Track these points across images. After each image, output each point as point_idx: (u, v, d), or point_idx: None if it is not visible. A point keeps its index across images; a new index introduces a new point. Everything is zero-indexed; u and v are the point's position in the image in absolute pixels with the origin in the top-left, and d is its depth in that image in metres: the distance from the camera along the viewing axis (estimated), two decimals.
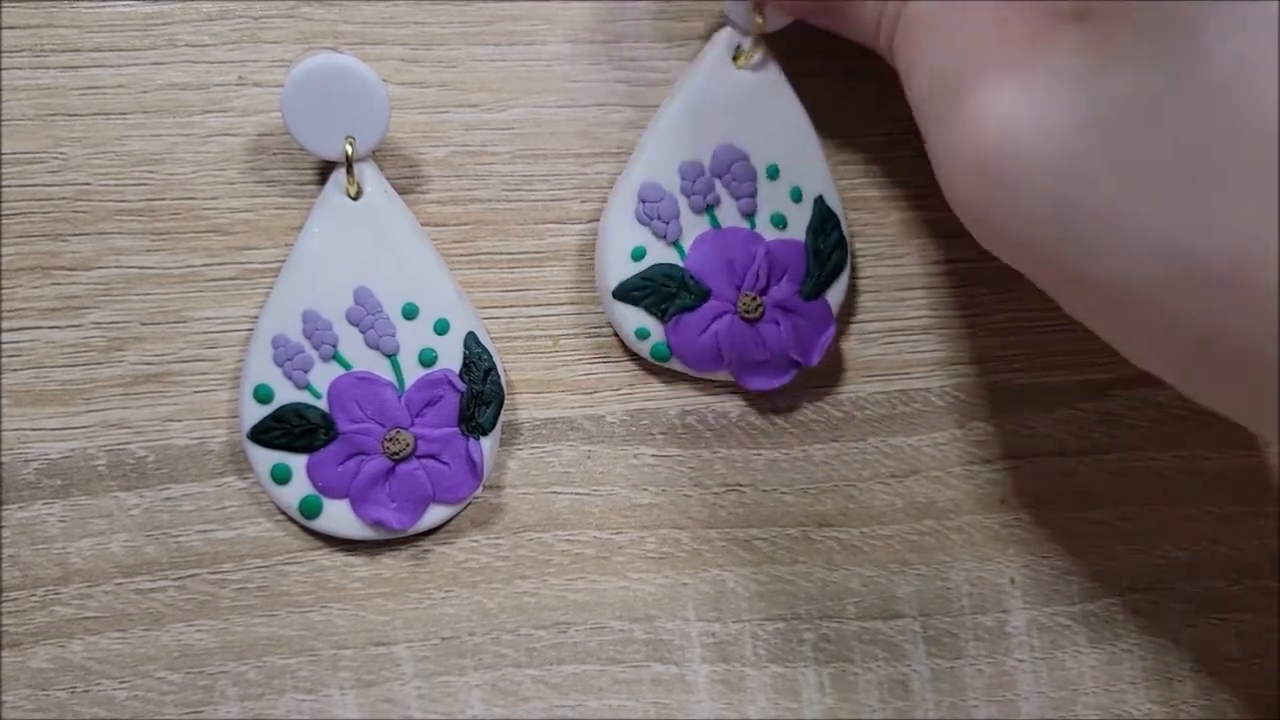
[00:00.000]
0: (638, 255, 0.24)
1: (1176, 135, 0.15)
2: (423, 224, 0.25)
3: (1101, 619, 0.26)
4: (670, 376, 0.26)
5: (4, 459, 0.23)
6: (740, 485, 0.26)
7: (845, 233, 0.25)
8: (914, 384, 0.26)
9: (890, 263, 0.26)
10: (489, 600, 0.25)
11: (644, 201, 0.24)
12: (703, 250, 0.24)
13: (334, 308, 0.23)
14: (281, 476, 0.23)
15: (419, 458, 0.24)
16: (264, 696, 0.24)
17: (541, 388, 0.25)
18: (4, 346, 0.24)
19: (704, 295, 0.24)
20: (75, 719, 0.23)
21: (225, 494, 0.24)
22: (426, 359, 0.24)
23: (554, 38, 0.26)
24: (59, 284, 0.24)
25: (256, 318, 0.24)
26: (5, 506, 0.23)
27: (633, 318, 0.24)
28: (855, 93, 0.26)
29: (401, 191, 0.24)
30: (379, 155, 0.24)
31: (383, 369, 0.24)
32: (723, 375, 0.25)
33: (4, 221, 0.24)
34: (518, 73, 0.25)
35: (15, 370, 0.24)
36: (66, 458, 0.24)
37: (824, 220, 0.25)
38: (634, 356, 0.25)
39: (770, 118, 0.25)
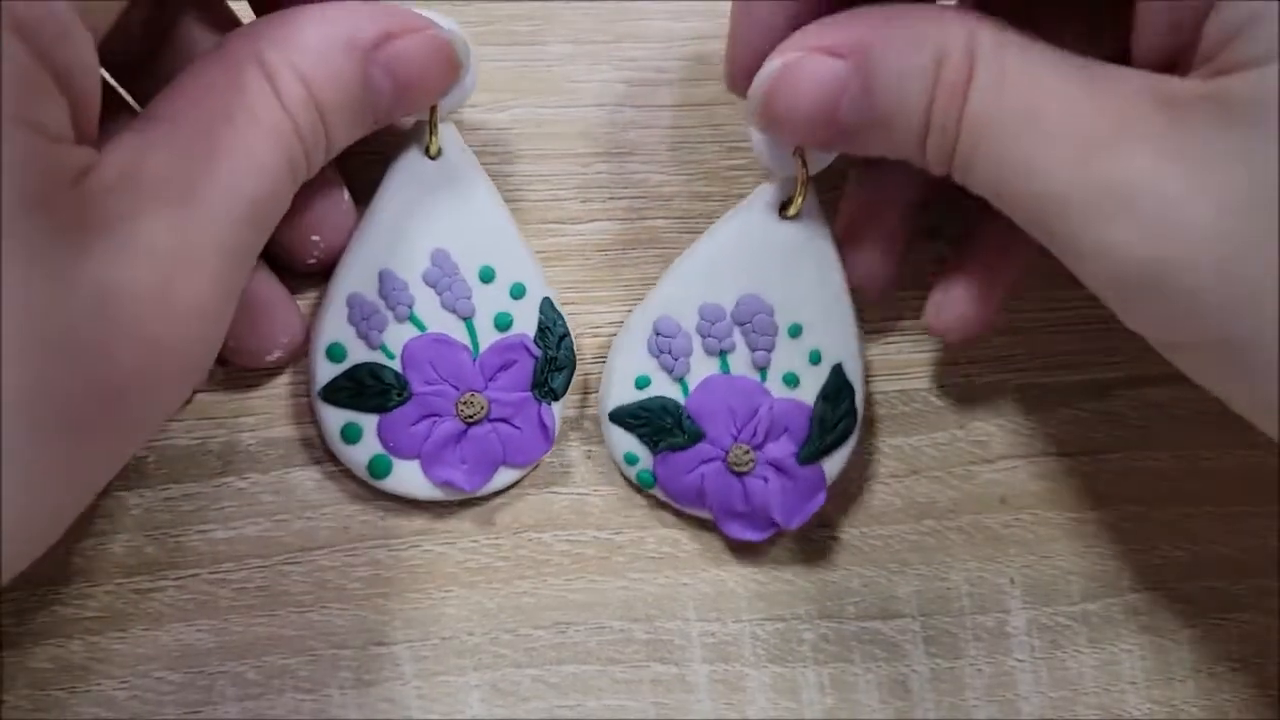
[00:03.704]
0: (641, 384, 0.24)
1: None
2: None
3: (1101, 619, 0.26)
4: None
5: None
6: None
7: (858, 404, 0.24)
8: (914, 384, 0.26)
9: None
10: (489, 600, 0.25)
11: (658, 334, 0.24)
12: (706, 393, 0.24)
13: (411, 269, 0.23)
14: (352, 436, 0.23)
15: (492, 421, 0.24)
16: (264, 696, 0.24)
17: None
18: None
19: (697, 437, 0.24)
20: (75, 719, 0.23)
21: (225, 494, 0.24)
22: (502, 323, 0.24)
23: (554, 38, 0.26)
24: None
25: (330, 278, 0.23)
26: None
27: (624, 442, 0.24)
28: None
29: None
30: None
31: (458, 332, 0.24)
32: (703, 513, 0.25)
33: None
34: (518, 73, 0.26)
35: None
36: None
37: (838, 389, 0.24)
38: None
39: (806, 277, 0.24)
